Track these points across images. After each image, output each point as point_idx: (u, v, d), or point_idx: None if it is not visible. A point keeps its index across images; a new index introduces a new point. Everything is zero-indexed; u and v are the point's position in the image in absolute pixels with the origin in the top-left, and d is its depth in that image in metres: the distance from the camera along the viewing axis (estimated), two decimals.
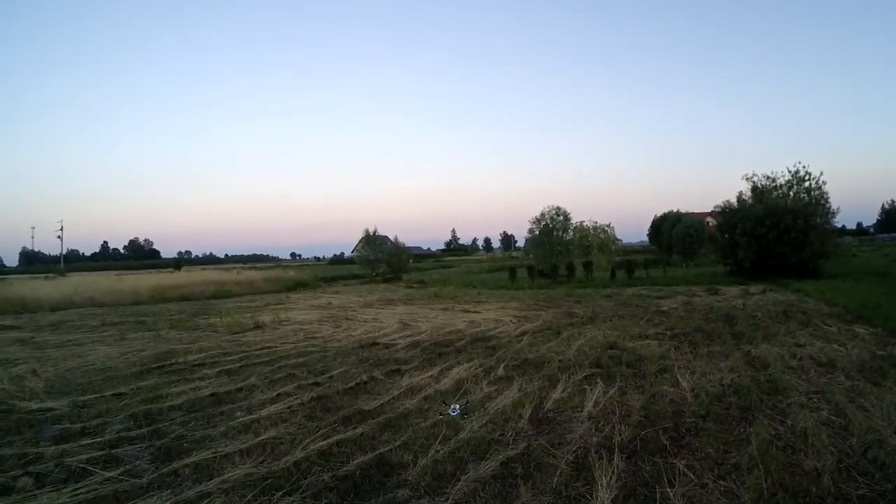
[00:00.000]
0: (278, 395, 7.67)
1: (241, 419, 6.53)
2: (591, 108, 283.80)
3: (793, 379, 7.50)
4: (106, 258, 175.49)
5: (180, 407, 7.22)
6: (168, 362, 10.29)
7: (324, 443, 5.55)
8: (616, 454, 5.01)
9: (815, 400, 6.57)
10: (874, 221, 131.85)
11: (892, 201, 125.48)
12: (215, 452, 5.37)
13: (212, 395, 7.81)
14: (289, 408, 6.98)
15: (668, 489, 4.29)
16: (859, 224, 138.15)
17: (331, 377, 8.70)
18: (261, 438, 5.76)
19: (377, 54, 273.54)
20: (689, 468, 4.69)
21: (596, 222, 41.87)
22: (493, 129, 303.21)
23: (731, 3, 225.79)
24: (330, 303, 23.41)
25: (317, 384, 8.25)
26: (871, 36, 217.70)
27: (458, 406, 5.02)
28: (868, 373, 7.74)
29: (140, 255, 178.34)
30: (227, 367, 9.76)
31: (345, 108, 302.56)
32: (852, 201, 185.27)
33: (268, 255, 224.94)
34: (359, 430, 5.93)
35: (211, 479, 4.70)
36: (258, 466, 4.97)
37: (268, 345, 12.07)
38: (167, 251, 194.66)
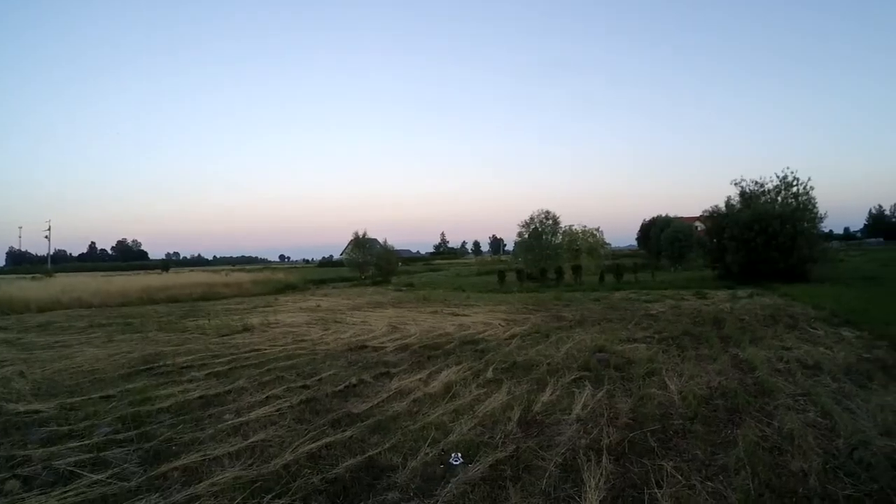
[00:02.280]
0: (267, 397, 7.62)
1: (230, 422, 6.48)
2: (581, 112, 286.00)
3: (779, 381, 7.55)
4: (93, 259, 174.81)
5: (168, 409, 7.15)
6: (156, 364, 10.20)
7: (313, 445, 5.52)
8: (604, 456, 5.02)
9: (802, 402, 6.62)
10: (861, 226, 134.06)
11: (880, 206, 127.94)
12: (204, 455, 5.32)
13: (200, 397, 7.74)
14: (278, 410, 6.93)
15: (657, 490, 4.30)
16: (847, 229, 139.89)
17: (320, 380, 8.66)
18: (250, 441, 5.72)
19: (366, 58, 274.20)
20: (677, 470, 4.71)
21: (585, 226, 42.09)
22: (482, 133, 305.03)
23: (724, 11, 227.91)
24: (319, 305, 23.32)
25: (306, 387, 8.20)
26: (859, 43, 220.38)
27: (459, 455, 5.03)
28: (854, 375, 7.81)
29: (128, 256, 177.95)
30: (216, 369, 9.68)
31: (336, 111, 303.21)
32: (840, 206, 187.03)
33: (256, 258, 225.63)
34: (348, 433, 5.90)
35: (200, 483, 4.66)
36: (247, 469, 4.93)
37: (256, 347, 11.98)
38: (155, 252, 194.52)
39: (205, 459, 5.24)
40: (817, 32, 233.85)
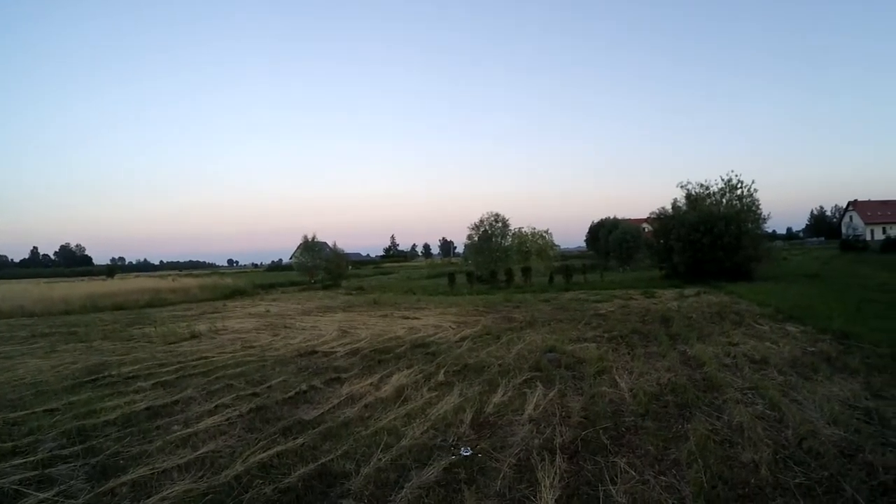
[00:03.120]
0: (216, 406, 7.43)
1: (179, 433, 6.29)
2: (529, 116, 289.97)
3: (728, 376, 7.76)
4: (36, 265, 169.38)
5: (115, 422, 6.89)
6: (101, 375, 9.84)
7: (264, 455, 5.40)
8: (558, 455, 5.05)
9: (750, 395, 6.80)
10: (803, 227, 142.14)
11: (821, 208, 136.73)
12: (153, 469, 5.15)
13: (147, 408, 7.49)
14: (227, 420, 6.77)
15: (611, 487, 4.35)
16: (789, 229, 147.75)
17: (269, 387, 8.49)
18: (199, 452, 5.56)
19: (313, 63, 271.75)
20: (630, 465, 4.77)
21: (534, 228, 42.60)
22: (432, 136, 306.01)
23: (673, 16, 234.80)
24: (268, 311, 22.99)
25: (255, 395, 8.04)
26: (800, 54, 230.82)
27: (468, 448, 4.99)
28: (800, 368, 8.09)
29: (72, 261, 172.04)
30: (163, 378, 9.40)
31: (284, 115, 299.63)
32: (783, 208, 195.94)
33: (204, 262, 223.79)
34: (299, 441, 5.80)
35: (149, 498, 4.52)
36: (198, 482, 4.80)
37: (204, 355, 11.70)
38: (100, 257, 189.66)
39: (154, 473, 5.07)
40: (760, 42, 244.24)
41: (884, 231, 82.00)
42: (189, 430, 6.40)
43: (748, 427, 5.53)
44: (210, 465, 5.22)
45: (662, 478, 4.51)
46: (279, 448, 5.59)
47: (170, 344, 13.79)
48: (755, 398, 6.68)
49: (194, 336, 14.98)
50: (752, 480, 4.35)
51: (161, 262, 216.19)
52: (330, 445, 5.66)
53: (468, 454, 5.04)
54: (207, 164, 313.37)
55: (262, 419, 6.80)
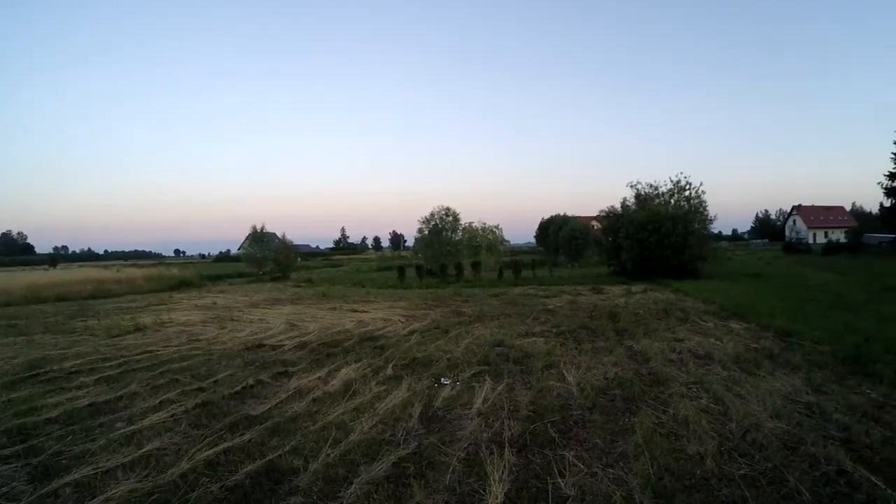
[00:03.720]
0: (161, 402, 7.24)
1: (123, 430, 6.10)
2: (482, 111, 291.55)
3: (673, 371, 7.94)
4: None
5: (57, 419, 6.65)
6: (43, 370, 9.50)
7: (210, 452, 5.28)
8: (507, 449, 5.09)
9: (695, 390, 6.98)
10: (748, 228, 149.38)
11: (766, 211, 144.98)
12: (96, 468, 4.99)
13: (90, 405, 7.24)
14: (172, 416, 6.61)
15: (560, 480, 4.40)
16: (735, 230, 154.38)
17: (216, 382, 8.32)
18: (144, 450, 5.41)
19: (265, 53, 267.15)
20: (579, 459, 4.83)
21: (485, 223, 42.99)
22: (383, 129, 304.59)
23: (626, 16, 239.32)
24: (215, 303, 22.51)
25: (201, 389, 7.86)
26: (749, 61, 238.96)
27: (448, 381, 4.93)
28: (743, 364, 8.33)
29: (12, 249, 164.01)
30: (106, 373, 9.12)
31: (235, 104, 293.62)
32: (729, 210, 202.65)
33: (150, 252, 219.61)
34: (246, 437, 5.70)
35: (93, 498, 4.40)
36: (143, 481, 4.68)
37: (149, 348, 11.38)
38: (42, 246, 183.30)
39: (97, 473, 4.91)
40: (709, 51, 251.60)
41: (825, 235, 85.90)
42: (133, 427, 6.22)
43: (693, 420, 5.68)
44: (155, 464, 5.09)
45: (610, 470, 4.58)
46: (226, 445, 5.49)
47: (114, 337, 13.36)
48: (700, 392, 6.85)
49: (139, 329, 14.56)
50: (698, 472, 4.47)
51: (106, 251, 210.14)
52: (278, 441, 5.59)
53: (448, 383, 4.94)
54: (153, 151, 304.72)
55: (208, 415, 6.65)
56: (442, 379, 5.36)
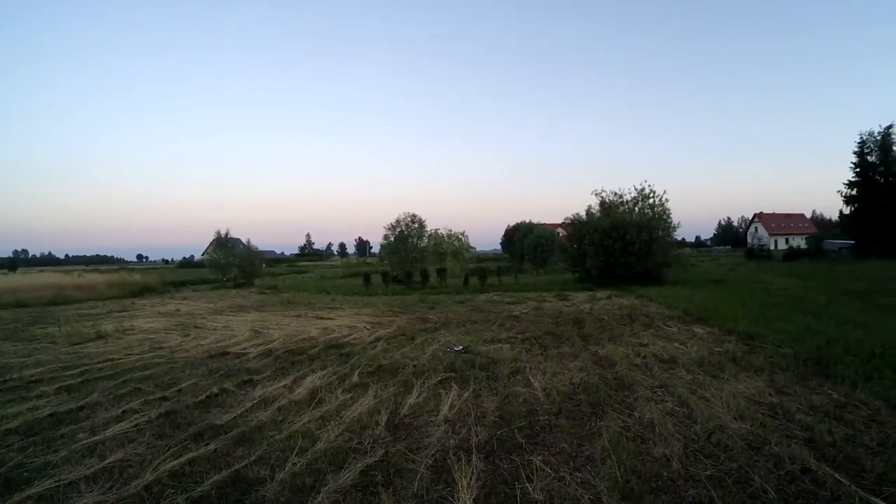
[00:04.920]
0: (124, 412, 7.07)
1: (85, 441, 5.93)
2: (448, 118, 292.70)
3: (638, 375, 8.04)
4: None
5: (17, 430, 6.43)
6: (1, 379, 9.24)
7: (175, 462, 5.17)
8: (474, 455, 5.08)
9: (660, 393, 7.08)
10: (711, 235, 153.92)
11: (728, 218, 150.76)
12: (59, 481, 4.83)
13: (51, 415, 7.04)
14: (136, 426, 6.45)
15: (528, 485, 4.41)
16: (698, 237, 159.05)
17: (179, 391, 8.17)
18: (107, 462, 5.27)
19: (224, 55, 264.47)
20: (546, 463, 4.85)
21: (450, 230, 42.98)
22: (350, 135, 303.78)
23: (582, 25, 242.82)
24: (178, 310, 22.15)
25: (165, 399, 7.71)
26: (714, 70, 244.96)
27: (460, 346, 4.88)
28: (707, 367, 8.49)
29: None
30: (67, 382, 8.88)
31: (200, 106, 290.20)
32: (692, 217, 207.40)
33: (112, 257, 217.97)
34: (212, 447, 5.58)
35: None
36: (106, 493, 4.56)
37: (111, 357, 11.14)
38: (1, 250, 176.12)
39: (60, 485, 4.77)
40: (671, 62, 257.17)
41: (787, 241, 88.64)
42: (96, 437, 6.06)
43: (659, 423, 5.76)
44: (119, 475, 4.96)
45: (578, 474, 4.61)
46: (190, 455, 5.37)
47: (75, 345, 13.05)
48: (665, 396, 6.95)
49: (101, 336, 14.24)
50: (665, 474, 4.53)
51: (67, 255, 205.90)
52: (243, 451, 5.49)
53: (459, 349, 4.87)
54: (118, 154, 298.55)
55: (172, 425, 6.51)
56: (455, 346, 5.31)
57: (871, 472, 4.49)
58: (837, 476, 4.37)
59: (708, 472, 4.51)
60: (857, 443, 5.15)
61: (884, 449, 4.98)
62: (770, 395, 6.79)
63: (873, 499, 4.02)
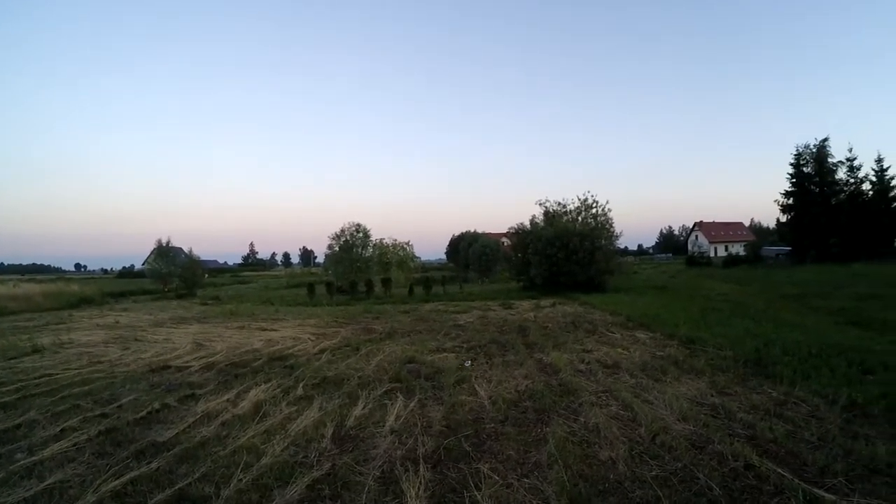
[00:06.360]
0: (63, 430, 6.77)
1: (22, 462, 5.64)
2: (392, 128, 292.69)
3: (583, 381, 8.15)
4: None
5: None
6: None
7: (117, 482, 4.96)
8: (422, 465, 5.05)
9: (605, 398, 7.18)
10: (653, 243, 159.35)
11: (669, 227, 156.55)
12: None
13: None
14: (75, 445, 6.18)
15: (476, 493, 4.40)
16: (640, 246, 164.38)
17: (120, 406, 7.87)
18: (46, 483, 5.02)
19: (169, 58, 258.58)
20: (494, 471, 4.85)
21: (395, 240, 42.92)
22: (294, 142, 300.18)
23: (526, 35, 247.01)
24: (118, 322, 21.36)
25: (104, 415, 7.41)
26: (655, 82, 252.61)
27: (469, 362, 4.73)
28: (650, 371, 8.69)
29: None
30: (2, 399, 8.49)
31: (139, 109, 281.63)
32: (635, 226, 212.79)
33: (49, 266, 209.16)
34: (154, 465, 5.39)
35: None
36: None
37: (49, 372, 10.67)
38: None
39: None
40: (618, 74, 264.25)
41: (726, 249, 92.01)
42: (34, 457, 5.78)
43: (604, 427, 5.85)
44: (59, 497, 4.76)
45: (526, 480, 4.62)
46: (133, 474, 5.16)
47: (10, 359, 12.47)
48: (609, 400, 7.06)
49: (37, 350, 13.63)
50: (611, 476, 4.60)
51: (1, 264, 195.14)
52: (187, 468, 5.31)
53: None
54: (53, 157, 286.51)
55: (112, 443, 6.26)
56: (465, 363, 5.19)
57: (813, 465, 4.68)
58: (780, 471, 4.53)
59: (654, 473, 4.60)
60: (797, 438, 5.36)
61: (824, 443, 5.20)
62: (712, 396, 7.00)
63: (816, 490, 4.18)
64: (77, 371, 10.72)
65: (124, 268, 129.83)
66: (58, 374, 10.50)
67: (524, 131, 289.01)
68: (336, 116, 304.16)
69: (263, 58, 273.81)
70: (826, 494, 4.12)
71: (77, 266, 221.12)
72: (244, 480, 4.89)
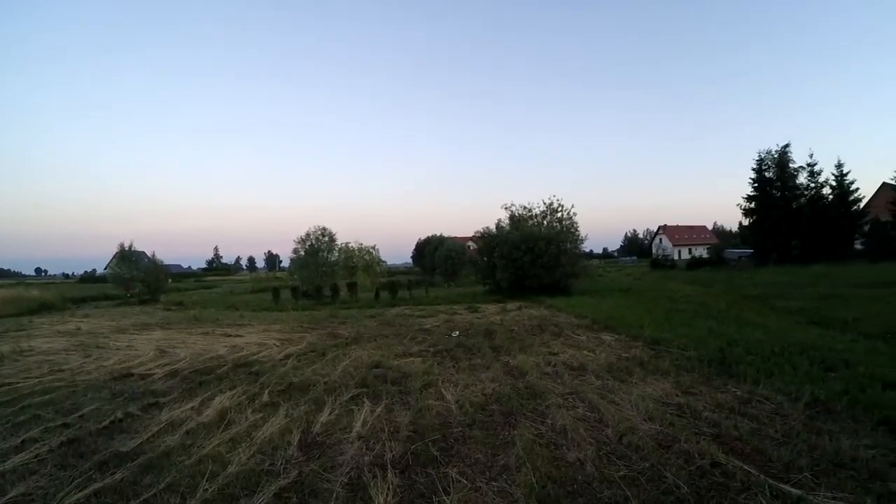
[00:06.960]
0: (23, 441, 6.58)
1: None
2: (358, 131, 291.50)
3: (549, 383, 8.20)
4: None
5: None
6: None
7: (80, 495, 4.84)
8: (389, 470, 5.03)
9: (571, 400, 7.24)
10: (618, 247, 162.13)
11: (634, 231, 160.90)
12: None
13: None
14: (36, 456, 6.00)
15: (445, 497, 4.40)
16: (605, 249, 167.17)
17: (82, 416, 7.67)
18: (8, 497, 4.88)
19: (137, 60, 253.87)
20: (462, 475, 4.84)
21: (361, 244, 42.61)
22: (258, 146, 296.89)
23: (497, 40, 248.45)
24: (79, 328, 20.75)
25: (66, 426, 7.21)
26: (620, 90, 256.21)
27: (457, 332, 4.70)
28: (616, 372, 8.78)
29: None
30: None
31: (103, 110, 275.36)
32: (600, 230, 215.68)
33: (8, 270, 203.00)
34: (118, 476, 5.26)
35: None
36: None
37: (8, 381, 10.35)
38: None
39: None
40: (585, 80, 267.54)
41: (689, 251, 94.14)
42: None
43: (571, 429, 5.90)
44: None
45: (494, 483, 4.63)
46: (96, 486, 5.04)
47: None
48: (576, 402, 7.11)
49: None
50: (580, 477, 4.64)
51: None
52: (152, 479, 5.20)
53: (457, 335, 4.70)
54: (11, 158, 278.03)
55: (75, 454, 6.10)
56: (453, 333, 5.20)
57: (778, 461, 4.79)
58: (746, 467, 4.63)
59: (621, 473, 4.65)
60: (762, 435, 5.48)
61: (788, 439, 5.33)
62: (677, 395, 7.11)
63: (782, 486, 4.27)
64: (38, 380, 10.44)
65: (86, 272, 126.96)
66: (18, 382, 10.22)
67: (490, 135, 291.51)
68: (301, 120, 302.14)
69: (228, 61, 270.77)
70: (792, 490, 4.21)
71: (37, 270, 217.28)
72: (210, 490, 4.82)
